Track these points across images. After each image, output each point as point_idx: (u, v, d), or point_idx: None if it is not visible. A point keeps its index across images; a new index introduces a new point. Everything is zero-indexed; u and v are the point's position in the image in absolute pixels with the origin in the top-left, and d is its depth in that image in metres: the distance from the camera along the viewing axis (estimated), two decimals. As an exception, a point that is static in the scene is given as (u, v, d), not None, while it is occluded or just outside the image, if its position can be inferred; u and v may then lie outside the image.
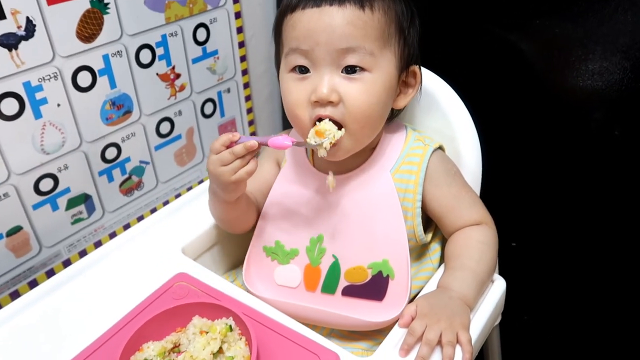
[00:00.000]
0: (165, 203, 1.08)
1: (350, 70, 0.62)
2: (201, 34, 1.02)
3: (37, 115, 0.82)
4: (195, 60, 1.02)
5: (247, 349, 0.57)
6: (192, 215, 0.81)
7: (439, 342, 0.58)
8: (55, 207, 0.89)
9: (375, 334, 0.70)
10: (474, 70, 0.90)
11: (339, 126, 0.63)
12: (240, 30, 1.09)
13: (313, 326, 0.70)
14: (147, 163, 1.02)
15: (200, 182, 1.13)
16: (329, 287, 0.70)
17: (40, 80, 0.80)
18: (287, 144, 0.62)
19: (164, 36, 0.95)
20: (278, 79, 0.70)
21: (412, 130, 0.74)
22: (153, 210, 1.07)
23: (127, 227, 1.02)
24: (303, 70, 0.64)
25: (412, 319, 0.61)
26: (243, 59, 1.12)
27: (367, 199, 0.70)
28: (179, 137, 1.06)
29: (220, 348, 0.57)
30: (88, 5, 0.83)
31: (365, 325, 0.67)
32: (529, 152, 0.90)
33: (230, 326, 0.59)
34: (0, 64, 0.76)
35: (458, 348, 0.58)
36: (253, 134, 1.23)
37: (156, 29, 0.94)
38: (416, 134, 0.74)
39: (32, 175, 0.84)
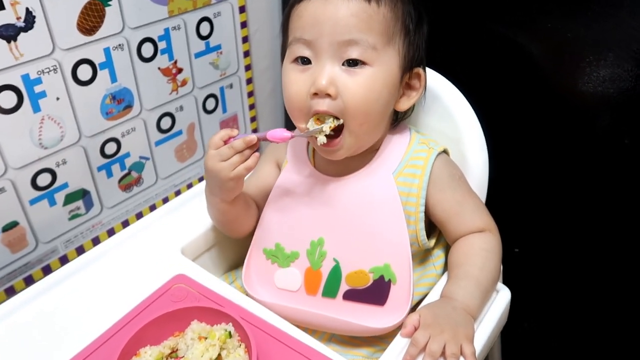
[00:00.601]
0: (165, 199, 1.07)
1: (351, 63, 0.62)
2: (205, 28, 1.00)
3: (36, 108, 0.80)
4: (198, 55, 1.01)
5: (247, 356, 0.56)
6: (192, 214, 0.79)
7: (443, 354, 0.57)
8: (52, 203, 0.88)
9: (376, 341, 0.69)
10: (481, 71, 0.88)
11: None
12: (244, 24, 1.07)
13: (313, 331, 0.70)
14: (147, 159, 1.00)
15: (201, 178, 1.12)
16: (330, 291, 0.69)
17: (39, 73, 0.79)
18: (286, 136, 0.62)
19: (166, 30, 0.94)
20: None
21: (416, 133, 0.73)
22: (152, 207, 1.05)
23: (125, 223, 1.01)
24: (305, 61, 0.63)
25: (415, 329, 0.60)
26: (246, 54, 1.10)
27: (369, 202, 0.68)
28: (179, 132, 1.04)
29: (219, 355, 0.56)
30: (90, -3, 0.81)
31: (366, 331, 0.66)
32: (535, 156, 0.89)
33: (230, 332, 0.58)
34: (-1, 56, 0.74)
35: (461, 360, 0.57)
36: (255, 130, 1.21)
37: (159, 22, 0.92)
38: (420, 136, 0.72)
39: (30, 169, 0.83)
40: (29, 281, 0.89)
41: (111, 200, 0.97)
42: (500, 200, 0.76)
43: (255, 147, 0.64)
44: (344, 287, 0.68)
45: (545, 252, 0.96)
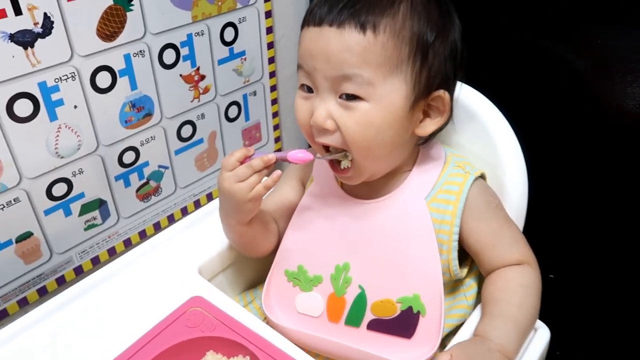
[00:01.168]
0: (184, 209, 1.04)
1: (348, 96, 0.58)
2: (229, 34, 0.97)
3: (52, 117, 0.78)
4: (221, 62, 0.98)
5: (264, 395, 0.53)
6: (211, 230, 0.76)
7: (476, 400, 0.53)
8: (68, 213, 0.85)
9: (401, 375, 0.65)
10: (522, 88, 0.83)
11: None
12: (270, 30, 1.04)
13: (335, 360, 0.67)
14: (166, 168, 0.98)
15: (221, 188, 1.09)
16: (354, 319, 0.65)
17: (56, 80, 0.76)
18: (308, 158, 0.60)
19: (189, 35, 0.90)
20: None
21: (452, 155, 0.68)
22: (170, 217, 1.03)
23: (142, 233, 0.99)
24: (308, 88, 0.61)
25: (446, 370, 0.56)
26: (271, 60, 1.07)
27: (400, 228, 0.65)
28: (200, 141, 1.01)
29: (235, 391, 0.53)
30: (111, 2, 0.78)
31: (391, 366, 0.62)
32: (578, 179, 0.84)
33: (247, 367, 0.55)
34: (15, 63, 0.72)
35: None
36: (278, 138, 1.18)
37: (182, 28, 0.89)
38: (456, 159, 0.68)
39: (45, 179, 0.81)
40: (43, 292, 0.87)
41: (128, 210, 0.95)
42: (537, 224, 0.71)
43: (271, 167, 0.61)
44: (368, 317, 0.65)
45: (581, 279, 0.91)
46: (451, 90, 0.63)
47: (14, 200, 0.78)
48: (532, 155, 0.71)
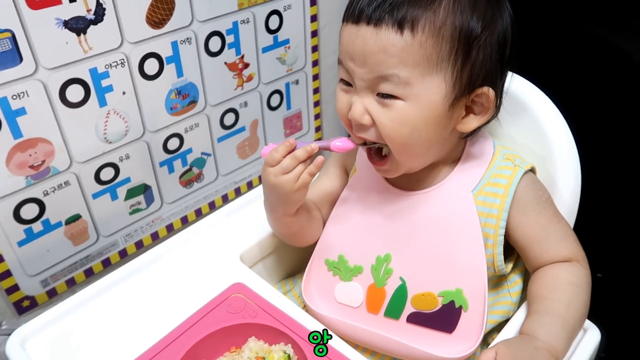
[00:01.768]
0: (224, 197, 1.05)
1: (385, 95, 0.57)
2: (274, 22, 0.97)
3: (102, 103, 0.80)
4: (265, 50, 0.98)
5: (305, 382, 0.53)
6: (252, 218, 0.77)
7: (521, 400, 0.52)
8: (114, 197, 0.87)
9: (441, 370, 0.64)
10: (575, 78, 0.80)
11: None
12: (314, 18, 1.03)
13: (372, 353, 0.66)
14: (208, 155, 0.99)
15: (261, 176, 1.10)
16: (393, 311, 0.65)
17: (107, 66, 0.78)
18: (351, 146, 0.60)
19: (235, 23, 0.91)
20: None
21: (500, 147, 0.66)
22: (211, 204, 1.04)
23: (184, 219, 1.00)
24: (346, 82, 0.60)
25: (491, 367, 0.55)
26: (314, 49, 1.06)
27: (444, 221, 0.63)
28: (242, 129, 1.02)
29: (277, 378, 0.53)
30: (160, -11, 0.79)
31: (431, 359, 0.61)
32: (633, 176, 0.81)
33: (289, 355, 0.55)
34: (69, 49, 0.73)
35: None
36: (318, 128, 1.18)
37: (228, 16, 0.89)
38: (505, 151, 0.66)
39: (94, 164, 0.83)
40: (89, 273, 0.89)
41: (171, 195, 0.96)
42: (586, 220, 0.69)
43: (313, 156, 0.61)
44: (408, 309, 0.64)
45: (631, 280, 0.87)
46: (497, 86, 0.60)
47: (65, 183, 0.81)
48: (585, 149, 0.69)
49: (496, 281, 0.67)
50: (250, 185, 1.09)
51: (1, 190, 0.75)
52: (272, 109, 1.05)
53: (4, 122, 0.72)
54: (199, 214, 1.02)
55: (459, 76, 0.56)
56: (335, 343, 0.58)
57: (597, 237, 0.76)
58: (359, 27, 0.56)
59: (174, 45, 0.84)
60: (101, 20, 0.74)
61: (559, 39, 0.81)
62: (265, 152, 0.62)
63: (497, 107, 0.61)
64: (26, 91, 0.72)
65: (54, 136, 0.77)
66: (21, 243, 0.79)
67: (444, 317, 0.62)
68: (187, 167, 0.96)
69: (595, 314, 0.63)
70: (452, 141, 0.63)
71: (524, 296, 0.67)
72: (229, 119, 0.99)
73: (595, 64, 0.78)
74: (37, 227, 0.80)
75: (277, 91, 1.04)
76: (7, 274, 0.80)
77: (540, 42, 0.81)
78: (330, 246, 0.69)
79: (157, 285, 0.67)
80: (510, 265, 0.66)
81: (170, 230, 0.99)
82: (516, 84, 0.68)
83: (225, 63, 0.93)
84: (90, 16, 0.73)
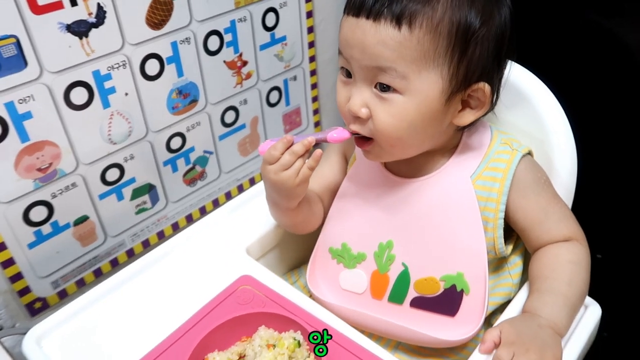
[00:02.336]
0: (228, 194, 1.06)
1: (383, 87, 0.58)
2: (270, 19, 0.98)
3: (106, 104, 0.81)
4: (263, 47, 0.99)
5: (316, 366, 0.54)
6: (257, 212, 0.78)
7: (527, 376, 0.53)
8: (120, 197, 0.89)
9: (446, 352, 0.66)
10: (570, 63, 0.81)
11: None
12: (310, 14, 1.04)
13: (378, 338, 0.68)
14: (210, 153, 1.00)
15: (262, 172, 1.11)
16: (397, 296, 0.66)
17: (109, 68, 0.79)
18: (346, 135, 0.61)
19: (232, 22, 0.92)
20: None
21: (498, 132, 0.68)
22: (215, 201, 1.05)
23: (189, 217, 1.02)
24: (347, 73, 0.61)
25: (495, 345, 0.56)
26: (311, 45, 1.07)
27: (444, 206, 0.65)
28: (243, 126, 1.03)
29: (288, 364, 0.54)
30: (158, -9, 0.80)
31: (435, 342, 0.63)
32: (629, 157, 0.82)
33: (299, 342, 0.56)
34: (72, 53, 0.74)
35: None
36: (317, 123, 1.19)
37: (225, 15, 0.90)
38: (502, 136, 0.67)
39: (100, 165, 0.84)
40: (98, 274, 0.91)
41: (176, 194, 0.97)
42: (585, 203, 0.70)
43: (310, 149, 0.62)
44: (411, 294, 0.65)
45: (629, 259, 0.88)
46: (494, 81, 0.61)
47: (72, 185, 0.82)
48: (581, 132, 0.70)
49: (497, 264, 0.69)
50: (252, 182, 1.10)
51: (10, 194, 0.76)
52: (271, 105, 1.06)
53: (12, 127, 0.73)
54: (204, 212, 1.03)
55: (456, 72, 0.57)
56: (342, 328, 0.60)
57: (596, 218, 0.77)
58: (359, 20, 0.57)
59: (174, 45, 0.85)
60: (102, 23, 0.76)
61: (552, 24, 0.82)
62: (263, 149, 0.62)
63: (494, 101, 0.62)
64: (32, 95, 0.73)
65: (60, 139, 0.78)
66: (31, 245, 0.81)
67: (446, 301, 0.64)
68: (191, 165, 0.97)
69: (595, 294, 0.64)
70: (449, 133, 0.64)
71: (524, 277, 0.68)
72: (230, 116, 1.00)
73: (589, 48, 0.80)
74: (46, 229, 0.81)
75: (276, 88, 1.05)
76: (19, 276, 0.81)
77: (535, 27, 0.82)
78: (333, 235, 0.71)
79: (165, 281, 0.68)
80: (510, 247, 0.67)
81: (176, 228, 1.00)
82: (513, 71, 0.69)
83: (224, 61, 0.94)
84: (92, 19, 0.74)
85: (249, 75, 0.99)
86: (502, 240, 0.64)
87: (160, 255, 0.72)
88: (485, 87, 0.59)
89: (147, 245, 0.96)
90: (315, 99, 1.15)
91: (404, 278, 0.66)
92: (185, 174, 0.97)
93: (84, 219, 0.85)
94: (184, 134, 0.93)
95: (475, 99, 0.61)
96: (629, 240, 0.88)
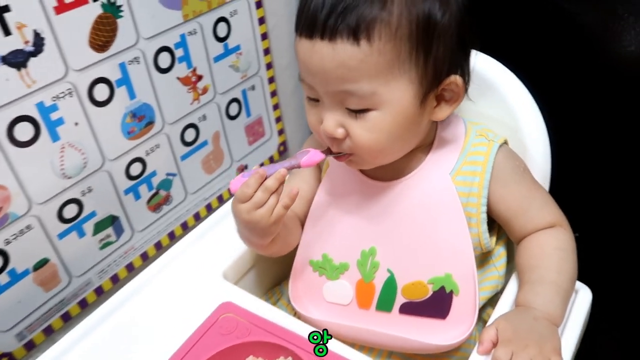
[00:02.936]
0: (196, 215, 1.03)
1: (354, 110, 0.56)
2: (222, 29, 0.94)
3: (55, 137, 0.76)
4: (217, 59, 0.95)
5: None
6: (229, 233, 0.74)
7: (529, 372, 0.51)
8: (81, 234, 0.84)
9: (440, 356, 0.64)
10: (533, 49, 0.81)
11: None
12: (262, 20, 1.01)
13: (370, 349, 0.66)
14: (174, 175, 0.96)
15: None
16: (385, 304, 0.64)
17: (54, 99, 0.74)
18: (319, 158, 0.58)
19: (182, 36, 0.88)
20: None
21: (471, 124, 0.66)
22: (184, 224, 1.01)
23: (158, 245, 0.97)
24: (314, 99, 0.59)
25: (494, 345, 0.54)
26: (267, 52, 1.05)
27: (425, 207, 0.63)
28: (204, 143, 0.99)
29: (283, 394, 0.51)
30: (100, 10, 0.75)
31: (428, 348, 0.61)
32: (597, 136, 0.82)
33: (291, 368, 0.53)
34: (10, 86, 0.69)
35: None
36: (281, 131, 1.16)
37: (174, 29, 0.87)
38: (476, 127, 0.66)
39: (55, 203, 0.79)
40: (67, 318, 0.85)
41: (141, 223, 0.93)
42: (561, 185, 0.70)
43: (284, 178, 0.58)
44: (400, 300, 0.63)
45: (607, 238, 0.89)
46: (464, 70, 0.60)
47: (26, 227, 0.76)
48: (551, 114, 0.69)
49: (482, 258, 0.67)
50: (220, 200, 1.07)
51: (-41, 246, 0.71)
52: (231, 118, 1.03)
53: (-50, 173, 0.67)
54: (173, 238, 0.99)
55: (424, 73, 0.56)
56: (331, 345, 0.57)
57: (574, 198, 0.77)
58: (314, 42, 0.54)
59: (122, 66, 0.81)
60: (41, 50, 0.71)
61: (518, 12, 0.82)
62: (235, 187, 0.57)
63: (466, 89, 0.61)
64: (-29, 137, 0.68)
65: (7, 180, 0.73)
66: (-11, 298, 0.75)
67: (436, 304, 0.62)
68: (154, 190, 0.93)
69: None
70: (425, 130, 0.62)
71: (509, 267, 0.67)
72: (190, 134, 0.96)
73: (546, 29, 0.80)
74: (3, 278, 0.76)
75: (235, 100, 1.02)
76: (-22, 332, 0.75)
77: (494, 14, 0.81)
78: (312, 247, 0.68)
79: (141, 319, 0.64)
80: (494, 239, 0.66)
81: (145, 258, 0.95)
82: (479, 60, 0.68)
83: (178, 78, 0.90)
84: (29, 48, 0.69)
85: (205, 90, 0.95)
86: (487, 234, 0.63)
87: (132, 291, 0.67)
88: (457, 79, 0.58)
89: (116, 281, 0.91)
90: (276, 107, 1.12)
91: (390, 285, 0.64)
92: (149, 200, 0.93)
93: (44, 262, 0.80)
94: (143, 159, 0.89)
95: (449, 92, 0.59)
96: (606, 219, 0.88)
